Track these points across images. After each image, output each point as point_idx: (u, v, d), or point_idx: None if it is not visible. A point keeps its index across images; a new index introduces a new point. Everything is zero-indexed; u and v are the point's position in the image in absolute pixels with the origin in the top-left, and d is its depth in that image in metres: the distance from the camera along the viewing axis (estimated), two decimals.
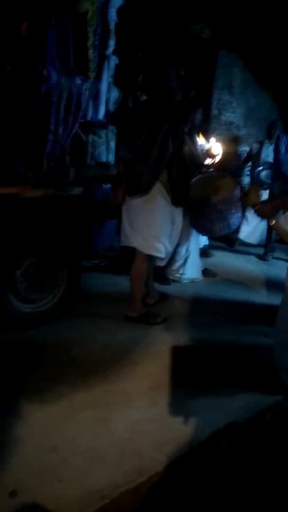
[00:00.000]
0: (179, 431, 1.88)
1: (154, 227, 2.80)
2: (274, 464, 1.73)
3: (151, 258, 2.97)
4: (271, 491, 1.59)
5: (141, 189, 2.75)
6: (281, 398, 2.16)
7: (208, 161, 2.42)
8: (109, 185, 3.35)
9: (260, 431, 1.94)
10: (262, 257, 5.06)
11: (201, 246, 4.33)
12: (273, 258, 5.00)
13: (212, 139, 2.23)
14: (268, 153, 5.16)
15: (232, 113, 6.61)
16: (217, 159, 2.21)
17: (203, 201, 2.96)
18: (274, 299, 2.26)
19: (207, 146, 2.20)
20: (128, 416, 1.95)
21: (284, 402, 2.14)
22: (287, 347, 2.12)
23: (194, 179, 3.02)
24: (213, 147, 2.17)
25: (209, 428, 1.89)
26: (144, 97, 4.52)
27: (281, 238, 2.16)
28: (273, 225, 2.10)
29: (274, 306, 2.25)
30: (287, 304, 2.11)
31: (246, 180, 5.35)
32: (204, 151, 2.90)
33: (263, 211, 2.06)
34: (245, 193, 2.17)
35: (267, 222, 2.17)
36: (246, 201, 2.17)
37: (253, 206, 2.11)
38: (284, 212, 2.12)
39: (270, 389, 2.20)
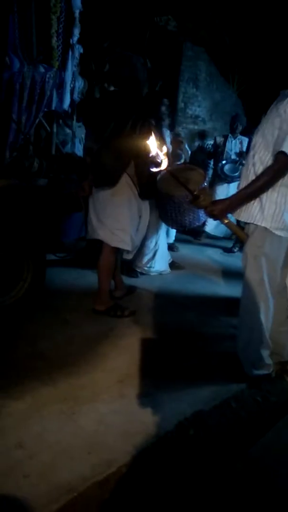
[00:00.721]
0: (146, 422, 1.89)
1: (121, 220, 2.78)
2: (241, 450, 1.77)
3: (118, 251, 2.96)
4: (238, 477, 1.63)
5: (108, 181, 2.72)
6: (245, 386, 2.22)
7: (154, 169, 2.34)
8: (75, 177, 3.30)
9: (226, 418, 1.98)
10: (228, 250, 5.16)
11: (170, 242, 4.36)
12: (239, 250, 5.10)
13: (162, 144, 2.13)
14: (231, 147, 5.23)
15: (198, 107, 6.67)
16: (162, 167, 2.16)
17: (172, 194, 2.97)
18: (239, 291, 2.30)
19: (155, 152, 2.11)
20: (95, 409, 1.94)
21: (248, 390, 2.20)
22: (248, 342, 2.19)
23: (162, 172, 3.02)
24: (160, 155, 2.09)
25: (176, 418, 1.91)
26: (112, 88, 4.48)
27: (235, 234, 2.17)
28: (226, 223, 2.13)
29: (238, 298, 2.30)
30: (247, 300, 2.16)
31: (210, 173, 5.41)
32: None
33: (214, 214, 2.07)
34: (194, 196, 2.09)
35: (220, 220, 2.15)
36: (196, 204, 2.12)
37: (204, 209, 2.11)
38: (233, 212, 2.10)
39: (234, 378, 2.26)
